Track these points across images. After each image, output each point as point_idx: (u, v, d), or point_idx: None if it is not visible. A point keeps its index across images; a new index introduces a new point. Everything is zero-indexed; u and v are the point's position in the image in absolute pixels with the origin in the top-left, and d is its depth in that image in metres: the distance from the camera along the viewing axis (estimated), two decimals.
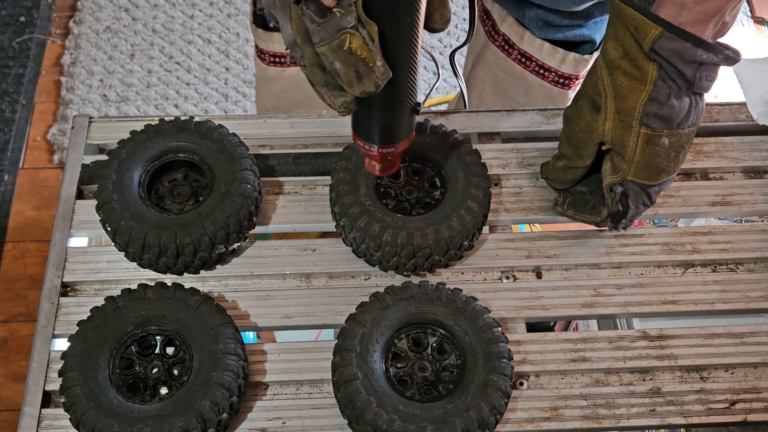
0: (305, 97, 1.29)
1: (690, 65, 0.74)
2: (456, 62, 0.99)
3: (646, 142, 0.79)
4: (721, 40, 0.76)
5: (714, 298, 0.88)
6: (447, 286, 0.82)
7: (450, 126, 0.97)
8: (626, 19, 0.75)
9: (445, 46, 2.15)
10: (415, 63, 0.68)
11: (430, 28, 0.69)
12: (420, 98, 0.73)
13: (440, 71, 0.79)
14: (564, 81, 1.23)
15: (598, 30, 1.18)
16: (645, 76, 0.76)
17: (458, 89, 1.71)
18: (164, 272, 0.86)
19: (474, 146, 0.92)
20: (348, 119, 0.99)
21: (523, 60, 1.22)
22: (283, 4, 0.65)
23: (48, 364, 0.82)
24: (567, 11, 1.13)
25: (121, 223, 0.83)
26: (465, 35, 2.17)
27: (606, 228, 0.89)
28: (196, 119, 0.91)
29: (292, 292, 0.87)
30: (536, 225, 1.19)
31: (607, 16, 1.14)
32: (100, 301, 0.81)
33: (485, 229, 0.92)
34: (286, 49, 0.67)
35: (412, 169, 0.91)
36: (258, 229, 0.91)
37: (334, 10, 0.62)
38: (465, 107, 1.03)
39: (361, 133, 0.75)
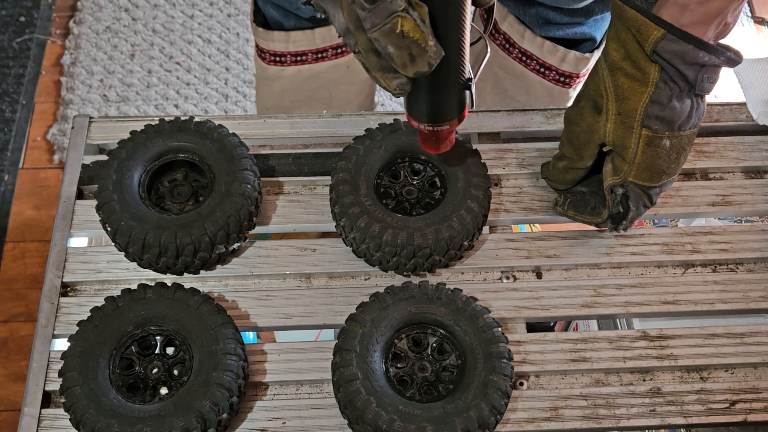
0: (305, 96, 1.29)
1: (691, 67, 0.74)
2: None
3: (647, 143, 0.79)
4: (722, 41, 0.76)
5: (714, 298, 0.88)
6: (447, 286, 0.82)
7: None
8: (628, 20, 0.75)
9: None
10: (465, 39, 0.69)
11: (477, 2, 0.70)
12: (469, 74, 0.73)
13: (488, 48, 0.79)
14: (564, 80, 1.23)
15: (598, 28, 1.18)
16: (646, 78, 0.76)
17: None
18: (164, 272, 0.86)
19: (474, 146, 0.92)
20: (348, 120, 0.99)
21: (524, 59, 1.22)
22: None
23: (48, 364, 0.82)
24: (567, 9, 1.13)
25: (121, 223, 0.83)
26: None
27: (606, 228, 0.89)
28: (196, 119, 0.91)
29: (292, 292, 0.87)
30: (536, 225, 1.19)
31: (607, 14, 1.14)
32: (100, 301, 0.81)
33: (485, 229, 0.92)
34: (339, 37, 0.68)
35: (412, 169, 0.91)
36: (258, 229, 0.91)
37: None
38: (472, 106, 1.03)
39: (415, 113, 0.76)
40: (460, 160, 0.89)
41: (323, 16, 0.69)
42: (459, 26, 0.67)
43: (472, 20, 0.91)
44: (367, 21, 0.64)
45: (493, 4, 0.92)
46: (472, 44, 0.98)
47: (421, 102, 0.74)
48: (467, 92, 0.74)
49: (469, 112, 1.00)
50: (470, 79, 0.73)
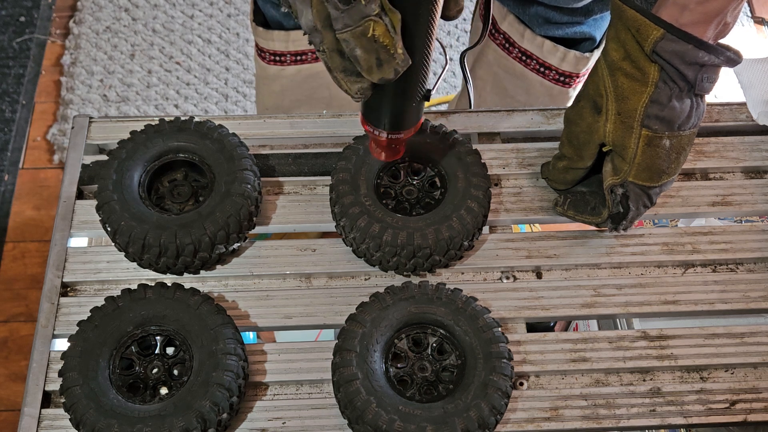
0: (305, 96, 1.29)
1: (691, 67, 0.74)
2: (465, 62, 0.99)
3: (647, 143, 0.79)
4: (721, 40, 0.76)
5: (714, 298, 0.88)
6: (447, 286, 0.82)
7: (450, 126, 0.97)
8: (628, 20, 0.75)
9: (446, 46, 2.14)
10: (430, 51, 0.69)
11: (444, 16, 0.70)
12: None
13: (448, 59, 0.80)
14: (564, 79, 1.23)
15: (598, 27, 1.18)
16: (646, 78, 0.76)
17: (458, 89, 1.71)
18: (164, 272, 0.86)
19: (474, 146, 0.92)
20: (347, 120, 0.99)
21: (524, 58, 1.22)
22: None
23: (48, 364, 0.82)
24: (567, 8, 1.13)
25: (121, 223, 0.83)
26: (466, 35, 2.17)
27: (606, 228, 0.89)
28: (196, 119, 0.91)
29: (292, 292, 0.87)
30: (536, 225, 1.19)
31: (607, 13, 1.14)
32: (100, 301, 0.81)
33: (485, 229, 0.92)
34: (304, 34, 0.68)
35: (412, 169, 0.91)
36: (258, 229, 0.91)
37: None
38: (471, 106, 1.03)
39: (372, 119, 0.76)
40: (460, 160, 0.89)
41: (287, 10, 0.69)
42: (427, 37, 0.67)
43: (473, 18, 0.91)
44: (338, 21, 0.64)
45: (489, 5, 0.92)
46: (472, 47, 0.98)
47: (380, 109, 0.74)
48: (423, 103, 0.75)
49: (469, 112, 1.00)
50: (429, 91, 0.73)
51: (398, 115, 0.75)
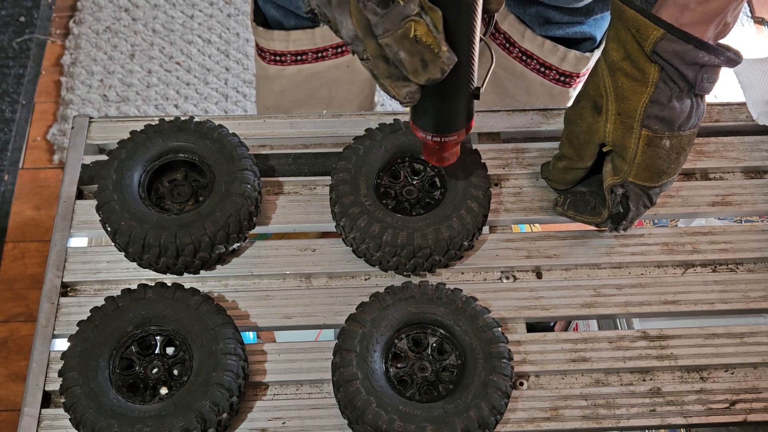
0: (305, 96, 1.29)
1: (691, 67, 0.74)
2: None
3: (647, 143, 0.79)
4: (721, 41, 0.76)
5: (714, 298, 0.88)
6: (447, 286, 0.82)
7: None
8: (628, 20, 0.75)
9: None
10: (475, 46, 0.67)
11: (486, 9, 0.68)
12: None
13: (493, 56, 0.78)
14: (565, 79, 1.23)
15: (598, 27, 1.18)
16: (646, 78, 0.76)
17: None
18: (164, 272, 0.86)
19: (474, 146, 0.92)
20: (347, 120, 0.99)
21: (524, 58, 1.22)
22: (341, 1, 0.65)
23: (48, 364, 0.82)
24: (567, 8, 1.13)
25: (121, 223, 0.83)
26: None
27: (606, 228, 0.89)
28: (196, 119, 0.91)
29: (292, 292, 0.87)
30: (536, 225, 1.19)
31: (607, 13, 1.14)
32: (100, 301, 0.81)
33: (485, 229, 0.92)
34: (347, 45, 0.66)
35: (412, 169, 0.91)
36: (258, 229, 0.91)
37: None
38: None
39: (423, 123, 0.74)
40: (460, 160, 0.89)
41: (326, 25, 0.68)
42: (470, 32, 0.66)
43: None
44: (378, 26, 0.63)
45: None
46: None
47: (429, 111, 0.72)
48: (474, 101, 0.73)
49: None
50: (478, 88, 0.71)
51: (448, 116, 0.73)
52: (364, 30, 0.64)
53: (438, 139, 0.75)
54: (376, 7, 0.62)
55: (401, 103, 0.68)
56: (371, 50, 0.66)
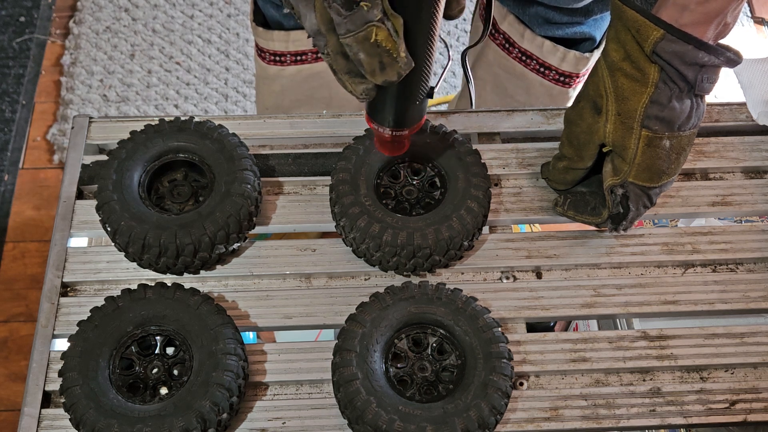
0: (305, 96, 1.29)
1: (691, 67, 0.74)
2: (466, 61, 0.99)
3: (647, 144, 0.79)
4: (721, 41, 0.76)
5: (714, 298, 0.88)
6: (447, 286, 0.82)
7: (450, 126, 0.97)
8: (628, 21, 0.75)
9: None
10: (433, 51, 0.70)
11: (447, 15, 0.71)
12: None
13: (451, 55, 0.81)
14: (564, 79, 1.23)
15: (598, 27, 1.18)
16: (646, 78, 0.76)
17: (458, 89, 1.71)
18: (164, 272, 0.86)
19: (474, 146, 0.92)
20: (347, 120, 0.99)
21: (524, 58, 1.22)
22: None
23: (48, 364, 0.82)
24: (567, 8, 1.13)
25: (121, 223, 0.83)
26: (466, 35, 2.17)
27: (606, 228, 0.89)
28: (196, 119, 0.91)
29: (292, 292, 0.87)
30: (536, 225, 1.19)
31: (607, 13, 1.14)
32: (100, 301, 0.81)
33: (485, 229, 0.92)
34: (308, 37, 0.68)
35: (412, 169, 0.91)
36: (258, 229, 0.91)
37: (362, 3, 0.63)
38: (472, 106, 1.03)
39: (377, 117, 0.77)
40: (460, 160, 0.89)
41: (289, 12, 0.69)
42: (429, 39, 0.68)
43: (473, 18, 0.91)
44: (341, 26, 0.65)
45: (491, 4, 0.92)
46: (473, 46, 0.98)
47: (385, 108, 0.75)
48: (427, 100, 0.76)
49: (469, 112, 1.01)
50: (432, 88, 0.74)
51: (402, 113, 0.76)
52: (327, 26, 0.66)
53: (391, 133, 0.78)
54: (341, 8, 0.64)
55: (357, 98, 0.71)
56: (332, 46, 0.67)
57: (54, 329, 0.84)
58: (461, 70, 1.67)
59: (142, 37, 2.12)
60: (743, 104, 1.01)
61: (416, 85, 0.72)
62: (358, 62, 0.67)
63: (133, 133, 0.90)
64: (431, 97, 0.75)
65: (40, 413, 0.79)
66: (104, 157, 0.93)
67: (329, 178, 0.92)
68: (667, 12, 0.73)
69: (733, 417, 0.81)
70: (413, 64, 0.67)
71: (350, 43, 0.65)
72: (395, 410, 0.74)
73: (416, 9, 0.65)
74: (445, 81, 2.05)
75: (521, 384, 0.82)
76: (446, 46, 0.82)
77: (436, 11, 0.66)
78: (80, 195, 0.93)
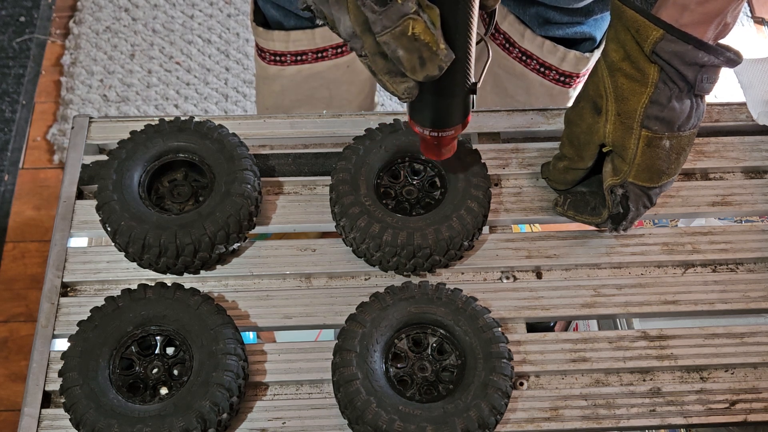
0: (305, 96, 1.29)
1: (691, 67, 0.74)
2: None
3: (647, 144, 0.79)
4: (721, 41, 0.76)
5: (714, 298, 0.88)
6: (447, 286, 0.82)
7: None
8: (627, 21, 0.75)
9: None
10: (472, 43, 0.68)
11: (483, 5, 0.69)
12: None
13: (490, 52, 0.78)
14: (564, 79, 1.23)
15: (598, 27, 1.18)
16: (646, 79, 0.76)
17: None
18: (164, 272, 0.86)
19: (474, 146, 0.92)
20: (347, 120, 0.99)
21: (524, 58, 1.22)
22: None
23: (48, 364, 0.82)
24: (567, 8, 1.13)
25: (121, 223, 0.83)
26: None
27: (606, 228, 0.89)
28: (196, 119, 0.91)
29: (292, 292, 0.87)
30: (536, 225, 1.19)
31: (607, 14, 1.14)
32: (100, 301, 0.81)
33: (485, 229, 0.92)
34: (345, 42, 0.67)
35: (412, 169, 0.91)
36: (258, 229, 0.91)
37: None
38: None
39: (421, 119, 0.75)
40: (460, 160, 0.89)
41: (323, 23, 0.68)
42: (467, 29, 0.66)
43: (493, 11, 0.91)
44: (377, 24, 0.63)
45: (495, 7, 0.92)
46: (478, 42, 0.97)
47: (426, 107, 0.73)
48: (471, 97, 0.74)
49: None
50: (475, 84, 0.72)
51: (445, 112, 0.74)
52: (362, 27, 0.65)
53: (435, 134, 0.75)
54: (374, 5, 0.62)
55: (399, 98, 0.69)
56: (369, 47, 0.66)
57: (54, 329, 0.84)
58: None
59: (142, 37, 2.12)
60: (743, 104, 1.01)
61: (458, 80, 0.70)
62: (397, 60, 0.65)
63: (133, 133, 0.90)
64: (475, 92, 0.73)
65: (40, 413, 0.79)
66: (104, 157, 0.93)
67: (329, 178, 0.92)
68: (666, 12, 0.73)
69: (733, 417, 0.81)
70: (453, 56, 0.65)
71: (387, 40, 0.63)
72: (395, 410, 0.74)
73: None
74: None
75: (521, 384, 0.83)
76: (485, 41, 0.78)
77: (473, 0, 0.64)
78: (80, 195, 0.93)
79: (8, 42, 2.09)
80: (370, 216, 0.84)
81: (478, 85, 0.72)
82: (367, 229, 0.84)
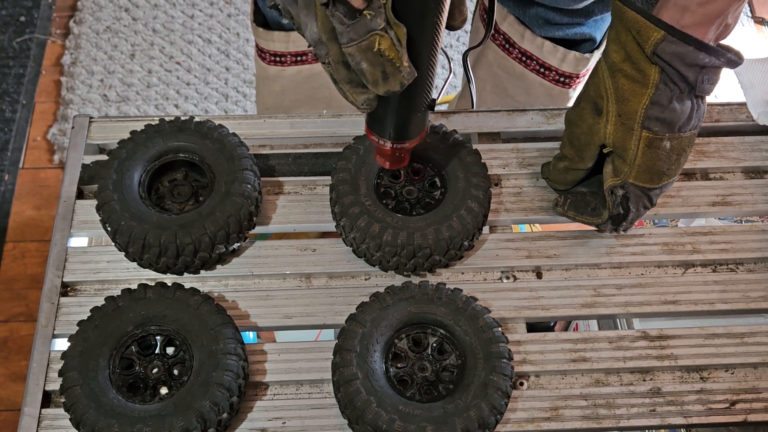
0: (305, 96, 1.29)
1: (692, 69, 0.74)
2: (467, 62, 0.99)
3: (648, 145, 0.79)
4: (722, 41, 0.76)
5: (714, 298, 0.88)
6: (447, 286, 0.82)
7: (450, 126, 0.97)
8: (628, 22, 0.75)
9: (447, 48, 2.14)
10: (436, 61, 0.69)
11: (449, 26, 0.71)
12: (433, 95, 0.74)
13: (452, 67, 0.80)
14: (564, 80, 1.23)
15: (598, 28, 1.18)
16: (647, 80, 0.76)
17: (458, 89, 1.71)
18: (164, 272, 0.86)
19: (474, 146, 0.92)
20: (347, 120, 0.99)
21: (524, 59, 1.22)
22: (308, 3, 0.66)
23: (48, 364, 0.82)
24: (567, 9, 1.13)
25: (122, 223, 0.83)
26: (466, 35, 2.17)
27: (606, 229, 0.89)
28: (196, 119, 0.91)
29: (292, 292, 0.87)
30: (536, 225, 1.19)
31: (607, 14, 1.14)
32: (100, 301, 0.81)
33: (485, 229, 0.92)
34: (309, 46, 0.68)
35: (412, 169, 0.91)
36: (258, 229, 0.91)
37: (365, 12, 0.63)
38: (473, 106, 1.03)
39: (377, 128, 0.77)
40: (460, 160, 0.89)
41: (289, 22, 0.69)
42: (432, 49, 0.68)
43: (473, 18, 0.91)
44: (344, 35, 0.64)
45: (493, 5, 0.92)
46: (474, 47, 0.98)
47: (385, 119, 0.75)
48: (428, 113, 0.75)
49: (469, 112, 1.00)
50: (434, 100, 0.74)
51: (404, 125, 0.75)
52: (329, 35, 0.66)
53: (392, 145, 0.77)
54: (343, 17, 0.63)
55: (358, 108, 0.70)
56: (333, 55, 0.67)
57: (54, 329, 0.84)
58: (461, 70, 1.68)
59: (143, 37, 2.12)
60: (743, 104, 1.01)
61: (418, 96, 0.72)
62: (361, 72, 0.66)
63: (133, 132, 0.90)
64: (432, 109, 0.75)
65: (40, 413, 0.79)
66: (104, 157, 0.93)
67: (329, 178, 0.92)
68: (667, 13, 0.73)
69: (733, 417, 0.81)
70: (416, 74, 0.67)
71: (353, 52, 0.65)
72: (395, 410, 0.74)
73: (420, 18, 0.65)
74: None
75: (521, 384, 0.83)
76: (447, 58, 0.81)
77: (440, 21, 0.66)
78: (80, 195, 0.93)
79: (8, 42, 2.09)
80: (370, 216, 0.84)
81: (437, 101, 0.74)
82: (367, 229, 0.84)
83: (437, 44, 0.68)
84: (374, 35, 0.63)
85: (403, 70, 0.65)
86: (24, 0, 2.16)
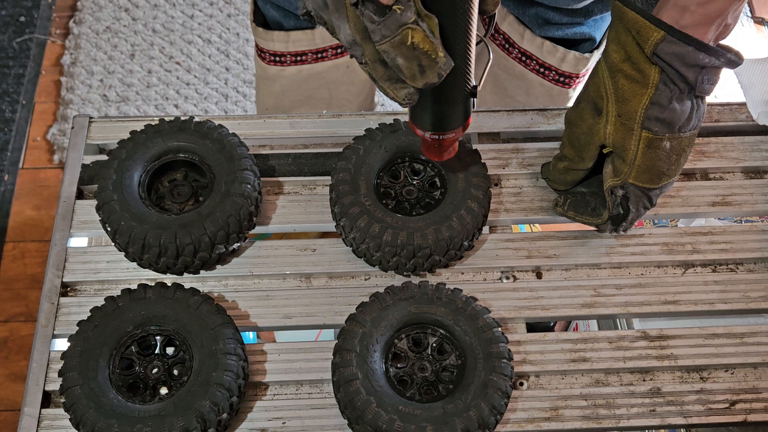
0: (305, 96, 1.29)
1: (692, 69, 0.74)
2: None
3: (648, 145, 0.79)
4: (722, 41, 0.76)
5: (714, 298, 0.88)
6: (447, 286, 0.82)
7: None
8: (628, 22, 0.75)
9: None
10: (472, 48, 0.69)
11: (482, 10, 0.70)
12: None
13: (491, 53, 0.79)
14: (564, 80, 1.23)
15: (598, 28, 1.18)
16: (647, 80, 0.76)
17: None
18: (164, 272, 0.86)
19: (474, 146, 0.92)
20: (347, 120, 0.99)
21: (524, 59, 1.22)
22: (338, 6, 0.65)
23: (48, 364, 0.82)
24: (567, 9, 1.13)
25: (121, 223, 0.83)
26: None
27: (606, 229, 0.89)
28: (196, 119, 0.91)
29: (292, 292, 0.87)
30: (536, 225, 1.19)
31: (607, 14, 1.14)
32: (100, 301, 0.81)
33: (485, 229, 0.92)
34: (345, 49, 0.68)
35: (412, 169, 0.91)
36: (258, 229, 0.91)
37: (394, 7, 0.63)
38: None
39: (421, 122, 0.76)
40: (460, 160, 0.89)
41: (322, 27, 0.69)
42: (466, 36, 0.67)
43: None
44: (376, 33, 0.64)
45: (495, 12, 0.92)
46: (478, 43, 0.97)
47: (427, 111, 0.74)
48: (472, 99, 0.74)
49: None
50: (476, 87, 0.73)
51: (446, 116, 0.75)
52: (362, 35, 0.65)
53: (437, 137, 0.76)
54: (373, 15, 0.63)
55: (400, 104, 0.70)
56: (369, 54, 0.67)
57: (54, 329, 0.84)
58: None
59: (142, 37, 2.12)
60: (743, 104, 1.01)
61: (459, 85, 0.71)
62: (397, 67, 0.66)
63: (133, 133, 0.90)
64: (475, 96, 0.73)
65: (40, 413, 0.79)
66: (104, 157, 0.93)
67: (329, 178, 0.92)
68: (667, 13, 0.73)
69: (733, 417, 0.81)
70: (453, 64, 0.66)
71: (387, 48, 0.64)
72: (395, 410, 0.74)
73: (450, 7, 0.64)
74: None
75: (521, 384, 0.83)
76: (485, 43, 0.79)
77: (471, 7, 0.65)
78: (80, 195, 0.93)
79: (8, 42, 2.09)
80: (370, 216, 0.84)
81: (479, 87, 0.73)
82: (367, 229, 0.84)
83: (471, 31, 0.67)
84: (406, 29, 0.63)
85: (439, 60, 0.65)
86: (24, 0, 2.16)
